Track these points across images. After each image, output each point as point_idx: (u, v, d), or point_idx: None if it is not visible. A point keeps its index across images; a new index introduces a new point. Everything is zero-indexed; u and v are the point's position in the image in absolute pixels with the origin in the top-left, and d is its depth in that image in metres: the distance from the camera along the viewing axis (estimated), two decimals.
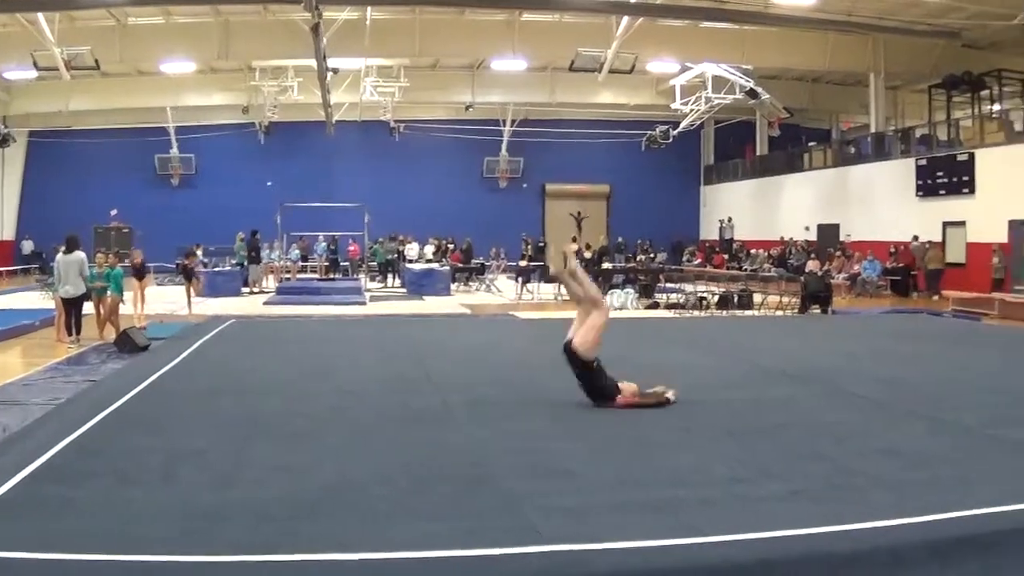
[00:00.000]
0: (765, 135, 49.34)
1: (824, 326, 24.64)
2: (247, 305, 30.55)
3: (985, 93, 39.10)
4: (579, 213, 48.82)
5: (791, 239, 44.49)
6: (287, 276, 39.36)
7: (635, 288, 32.22)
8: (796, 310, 28.80)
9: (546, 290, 34.59)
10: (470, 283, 39.32)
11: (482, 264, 42.13)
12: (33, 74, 36.45)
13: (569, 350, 11.61)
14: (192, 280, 28.94)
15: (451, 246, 45.33)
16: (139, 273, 24.96)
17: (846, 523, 6.78)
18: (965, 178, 34.12)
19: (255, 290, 35.96)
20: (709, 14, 35.31)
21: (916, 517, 6.93)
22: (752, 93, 38.16)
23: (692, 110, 40.68)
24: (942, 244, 35.34)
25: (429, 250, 44.24)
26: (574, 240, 41.32)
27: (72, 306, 19.89)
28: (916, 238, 36.50)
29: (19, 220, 49.69)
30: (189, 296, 28.17)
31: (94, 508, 7.23)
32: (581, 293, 11.99)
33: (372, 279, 41.11)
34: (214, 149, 49.98)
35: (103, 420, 10.75)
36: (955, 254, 34.94)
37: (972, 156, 33.94)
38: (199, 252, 38.03)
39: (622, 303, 30.01)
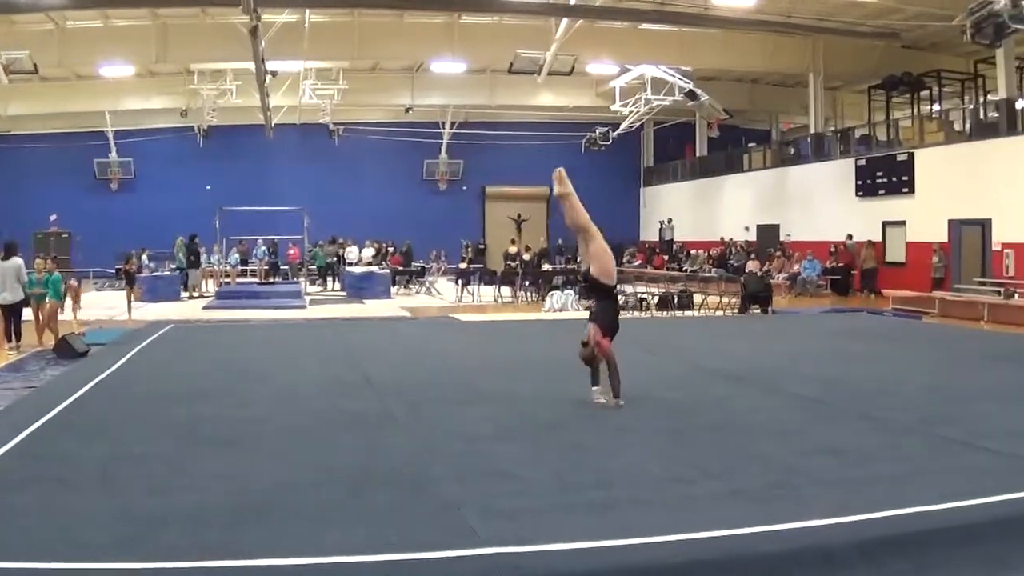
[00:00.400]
0: (705, 136, 49.57)
1: (764, 326, 24.74)
2: (186, 309, 30.35)
3: (925, 93, 39.52)
4: (519, 215, 48.83)
5: (731, 240, 44.74)
6: (226, 280, 39.17)
7: (575, 290, 32.32)
8: (736, 310, 28.95)
9: (486, 292, 34.67)
10: (410, 286, 39.32)
11: (422, 267, 42.08)
12: None
13: (590, 278, 12.08)
14: (134, 285, 28.76)
15: (391, 249, 45.15)
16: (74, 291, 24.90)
17: (784, 522, 6.82)
18: (905, 178, 34.43)
19: (194, 295, 35.73)
20: (649, 16, 35.26)
21: (853, 516, 6.97)
22: (691, 94, 38.27)
23: (631, 112, 40.73)
24: (876, 243, 35.72)
25: (368, 253, 44.11)
26: (513, 242, 41.42)
27: (11, 313, 19.78)
28: (850, 237, 36.97)
29: None
30: (129, 301, 28.01)
31: (33, 515, 7.15)
32: (574, 217, 12.30)
33: (312, 283, 40.98)
34: (153, 153, 49.48)
35: (43, 426, 10.64)
36: (895, 253, 35.28)
37: (912, 156, 34.26)
38: (144, 257, 37.93)
39: (562, 304, 30.11)
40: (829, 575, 6.23)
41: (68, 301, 22.26)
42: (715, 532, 6.64)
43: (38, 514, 7.19)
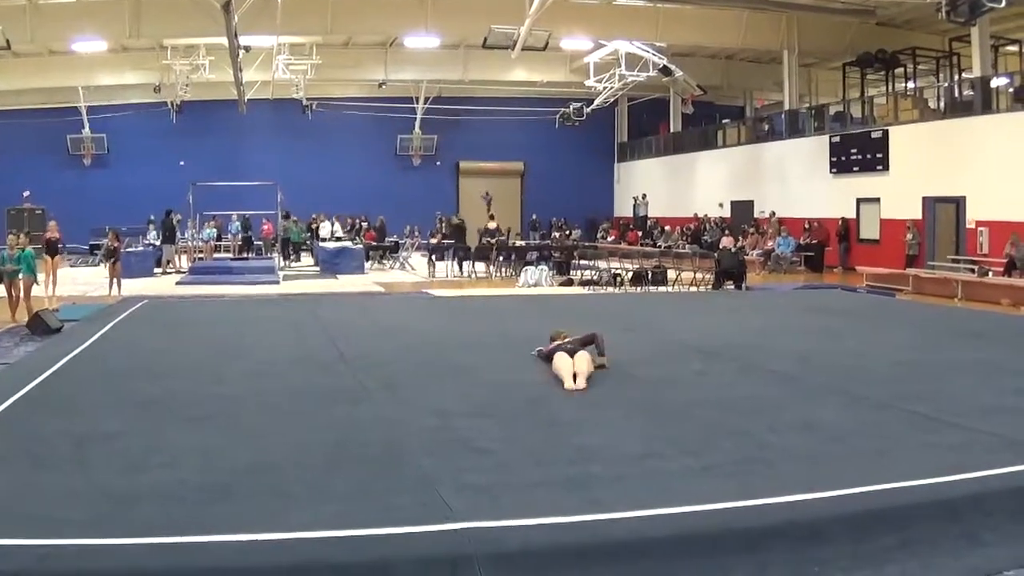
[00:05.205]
0: (679, 112, 49.50)
1: (738, 302, 24.72)
2: (160, 285, 30.18)
3: (899, 71, 39.63)
4: (487, 194, 48.66)
5: (705, 216, 44.79)
6: (200, 256, 39.01)
7: (549, 265, 32.34)
8: (710, 286, 28.96)
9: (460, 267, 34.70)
10: (384, 261, 39.26)
11: (396, 242, 42.00)
12: None
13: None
14: (117, 262, 28.44)
15: (364, 224, 45.00)
16: (51, 250, 24.76)
17: (760, 498, 6.80)
18: (879, 155, 34.51)
19: (168, 270, 35.55)
20: None
21: (831, 491, 6.96)
22: (666, 70, 38.25)
23: (606, 87, 40.71)
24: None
25: (339, 228, 44.13)
26: (492, 218, 41.29)
27: None
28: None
29: None
30: (119, 278, 27.71)
31: (6, 492, 7.09)
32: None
33: (285, 258, 40.80)
34: (126, 129, 49.18)
35: (15, 403, 10.57)
36: (869, 230, 35.41)
37: (886, 133, 34.34)
38: (152, 231, 38.13)
39: (536, 280, 30.10)
40: (812, 549, 6.22)
41: (42, 276, 22.22)
42: (697, 507, 6.64)
43: (11, 491, 7.13)
